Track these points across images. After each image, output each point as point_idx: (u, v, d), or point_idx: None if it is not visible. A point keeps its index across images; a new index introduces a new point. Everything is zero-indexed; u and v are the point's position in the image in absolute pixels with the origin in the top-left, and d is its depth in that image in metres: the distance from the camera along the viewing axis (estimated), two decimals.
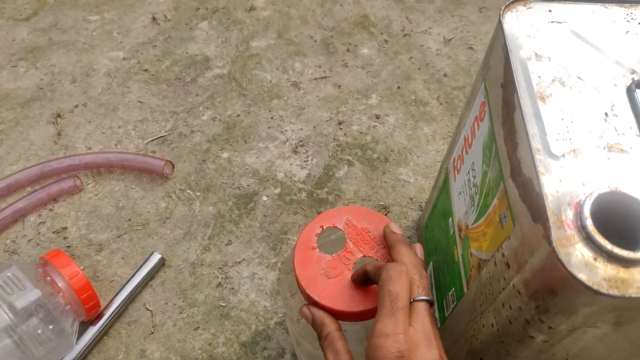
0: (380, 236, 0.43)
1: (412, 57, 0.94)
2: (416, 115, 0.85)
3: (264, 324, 0.64)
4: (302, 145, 0.81)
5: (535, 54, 0.40)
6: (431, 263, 0.63)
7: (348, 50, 0.94)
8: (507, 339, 0.40)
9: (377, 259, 0.42)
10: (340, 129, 0.83)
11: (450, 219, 0.54)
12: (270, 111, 0.85)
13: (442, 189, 0.60)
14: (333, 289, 0.40)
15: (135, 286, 0.66)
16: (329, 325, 0.38)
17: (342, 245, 0.43)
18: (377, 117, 0.85)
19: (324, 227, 0.43)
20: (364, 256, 0.43)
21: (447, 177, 0.58)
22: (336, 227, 0.44)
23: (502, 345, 0.41)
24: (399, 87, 0.89)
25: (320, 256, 0.42)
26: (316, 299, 0.40)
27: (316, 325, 0.39)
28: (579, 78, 0.39)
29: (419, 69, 0.92)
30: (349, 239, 0.43)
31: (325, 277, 0.41)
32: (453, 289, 0.52)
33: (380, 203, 0.75)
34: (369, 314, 0.39)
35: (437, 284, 0.59)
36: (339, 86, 0.89)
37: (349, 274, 0.41)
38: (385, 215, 0.74)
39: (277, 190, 0.76)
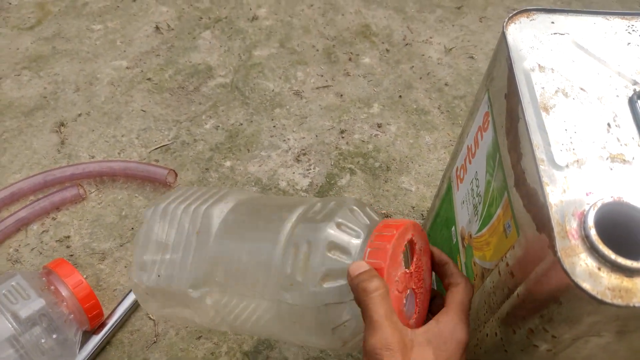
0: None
1: (413, 66, 0.94)
2: (418, 124, 0.86)
3: None
4: (304, 154, 0.81)
5: (539, 65, 0.40)
6: (433, 273, 0.63)
7: (350, 59, 0.95)
8: (510, 348, 0.40)
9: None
10: (342, 137, 0.83)
11: (453, 228, 0.55)
12: (272, 120, 0.85)
13: (445, 198, 0.60)
14: (399, 302, 0.38)
15: None
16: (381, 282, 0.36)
17: (409, 263, 0.40)
18: (379, 125, 0.85)
19: (408, 240, 0.40)
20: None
21: (450, 186, 0.58)
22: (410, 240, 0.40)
23: (506, 355, 0.41)
24: (400, 96, 0.90)
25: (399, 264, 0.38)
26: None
27: (366, 277, 0.36)
28: (581, 89, 0.40)
29: (420, 78, 0.93)
30: (415, 258, 0.40)
31: (396, 289, 0.38)
32: None
33: (383, 211, 0.75)
34: None
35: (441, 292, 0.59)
36: (341, 95, 0.90)
37: (408, 295, 0.40)
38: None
39: None
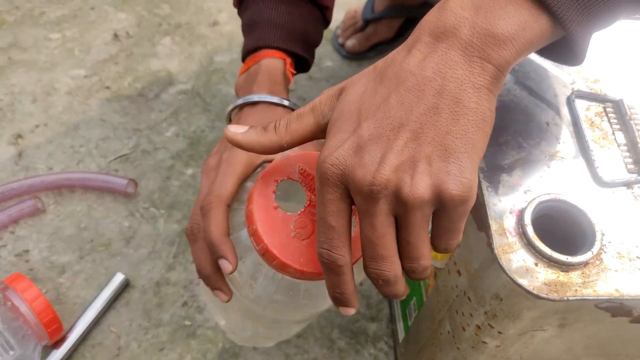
0: None
1: (376, 67, 0.95)
2: None
3: (230, 342, 0.64)
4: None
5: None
6: None
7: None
8: (462, 345, 0.41)
9: None
10: None
11: None
12: None
13: None
14: (311, 251, 0.35)
15: (99, 308, 0.65)
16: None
17: (304, 199, 0.37)
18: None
19: (279, 181, 0.36)
20: None
21: None
22: (291, 178, 0.37)
23: (459, 352, 0.42)
24: None
25: (285, 216, 0.35)
26: (297, 267, 0.34)
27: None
28: (522, 89, 0.41)
29: None
30: (308, 191, 0.36)
31: (299, 240, 0.35)
32: (414, 298, 0.53)
33: None
34: None
35: None
36: (304, 99, 0.90)
37: None
38: None
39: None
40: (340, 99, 0.30)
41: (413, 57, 0.28)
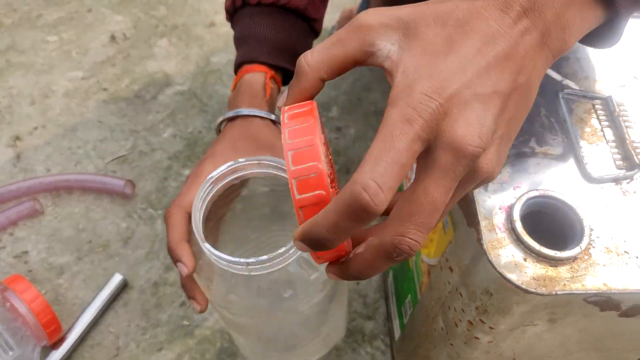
0: None
1: (372, 68, 0.96)
2: (376, 126, 0.87)
3: (228, 341, 0.64)
4: None
5: None
6: (390, 272, 0.64)
7: None
8: (455, 341, 0.41)
9: None
10: None
11: None
12: None
13: None
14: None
15: (97, 309, 0.65)
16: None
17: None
18: (339, 129, 0.86)
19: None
20: None
21: (402, 187, 0.59)
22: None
23: (452, 348, 0.42)
24: (359, 99, 0.91)
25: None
26: None
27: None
28: None
29: (380, 80, 0.94)
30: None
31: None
32: (409, 296, 0.53)
33: None
34: None
35: (397, 293, 0.60)
36: None
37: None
38: None
39: (240, 205, 0.76)
40: (413, 38, 0.26)
41: (506, 23, 0.25)
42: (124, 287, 0.68)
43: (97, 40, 0.97)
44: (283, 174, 0.38)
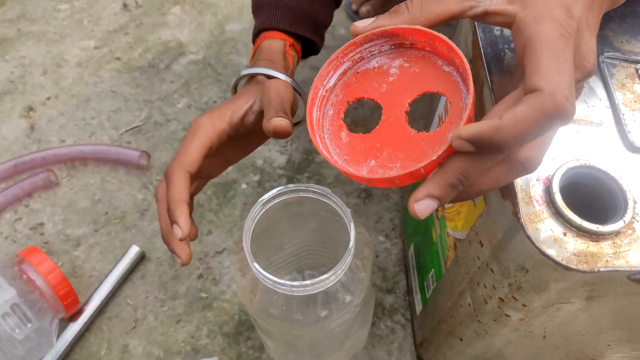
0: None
1: None
2: None
3: (246, 314, 0.64)
4: None
5: (502, 29, 0.39)
6: (412, 245, 0.62)
7: None
8: (483, 318, 0.39)
9: None
10: None
11: None
12: None
13: None
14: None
15: (115, 281, 0.65)
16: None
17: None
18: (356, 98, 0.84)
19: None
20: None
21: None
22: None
23: (480, 325, 0.41)
24: None
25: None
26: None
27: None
28: None
29: None
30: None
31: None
32: (433, 270, 0.51)
33: (362, 186, 0.74)
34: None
35: (419, 266, 0.58)
36: (317, 68, 0.87)
37: None
38: (367, 198, 0.73)
39: (257, 178, 0.75)
40: None
41: None
42: (141, 259, 0.68)
43: (108, 8, 0.95)
44: (328, 201, 0.41)
